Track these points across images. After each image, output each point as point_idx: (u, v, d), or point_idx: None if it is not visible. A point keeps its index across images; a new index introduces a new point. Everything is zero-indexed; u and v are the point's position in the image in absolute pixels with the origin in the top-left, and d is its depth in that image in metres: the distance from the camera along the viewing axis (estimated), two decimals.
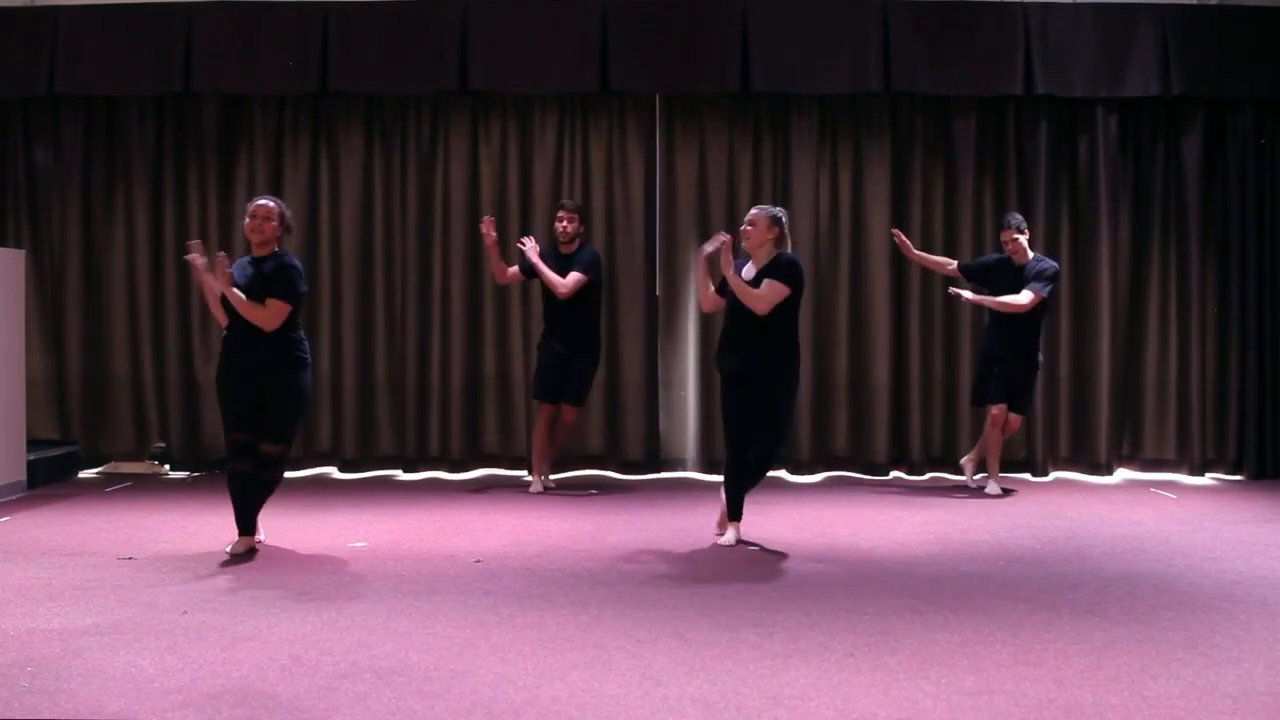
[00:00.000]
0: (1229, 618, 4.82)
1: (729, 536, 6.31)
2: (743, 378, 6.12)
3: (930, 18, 8.79)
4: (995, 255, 8.16)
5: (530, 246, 8.01)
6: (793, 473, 8.96)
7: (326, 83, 8.83)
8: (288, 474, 8.21)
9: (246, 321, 5.81)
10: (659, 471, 9.06)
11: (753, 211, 6.31)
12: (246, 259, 6.00)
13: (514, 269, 8.07)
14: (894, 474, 9.04)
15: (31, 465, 8.14)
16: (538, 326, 8.98)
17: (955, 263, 8.26)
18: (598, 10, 8.78)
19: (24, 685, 3.93)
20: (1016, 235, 7.86)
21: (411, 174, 9.14)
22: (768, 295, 6.05)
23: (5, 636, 4.51)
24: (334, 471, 9.15)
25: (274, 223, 5.90)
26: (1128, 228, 9.13)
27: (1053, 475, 8.86)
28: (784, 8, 8.79)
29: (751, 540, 6.35)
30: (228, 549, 6.01)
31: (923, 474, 9.02)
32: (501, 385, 9.10)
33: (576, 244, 8.08)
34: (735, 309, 6.18)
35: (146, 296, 9.19)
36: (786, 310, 6.12)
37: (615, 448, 9.07)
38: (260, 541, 6.17)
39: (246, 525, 6.03)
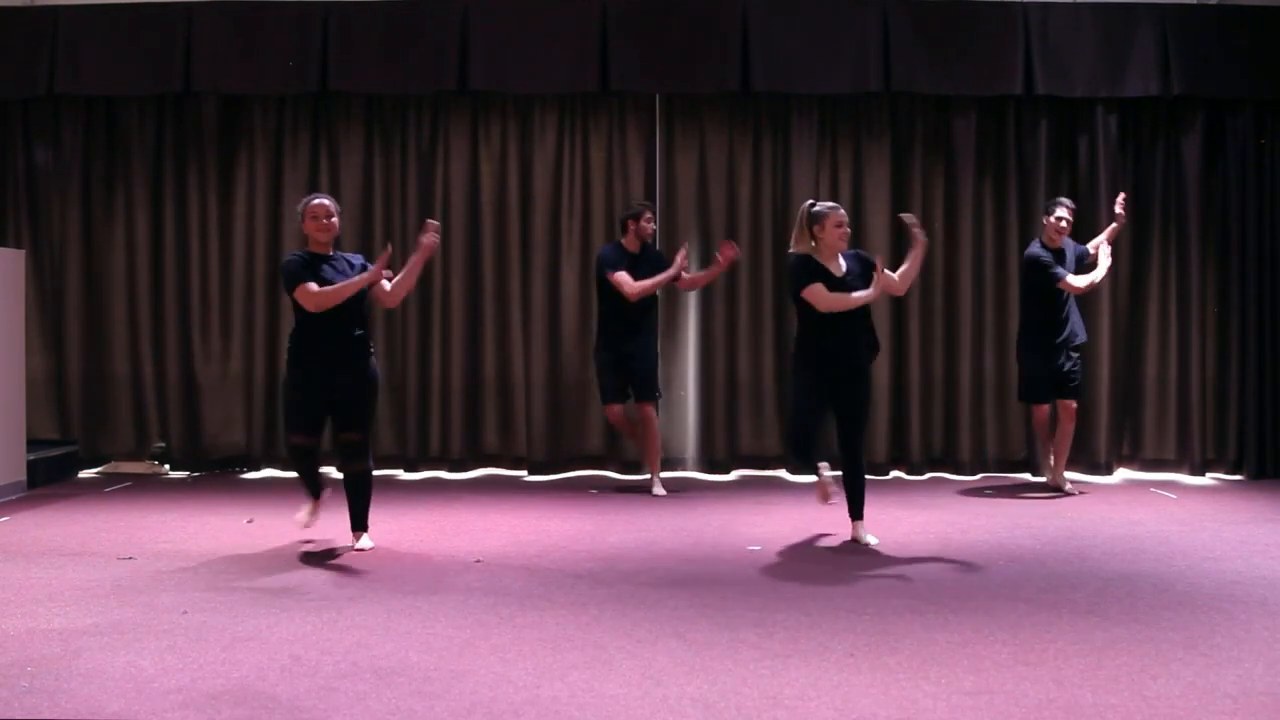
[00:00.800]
0: (1229, 618, 4.82)
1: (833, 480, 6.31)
2: (854, 373, 6.18)
3: (930, 18, 8.79)
4: (1039, 252, 7.82)
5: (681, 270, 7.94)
6: (793, 473, 8.96)
7: (326, 83, 8.83)
8: (289, 474, 8.26)
9: (335, 323, 5.90)
10: None
11: (844, 212, 6.24)
12: (307, 256, 5.99)
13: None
14: (894, 474, 9.05)
15: (31, 465, 8.14)
16: (538, 326, 9.01)
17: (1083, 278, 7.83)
18: (598, 10, 8.78)
19: (24, 685, 3.93)
20: (1070, 217, 7.88)
21: (411, 174, 9.15)
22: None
23: (5, 636, 4.51)
24: (334, 472, 9.10)
25: (337, 219, 6.07)
26: (1128, 228, 9.12)
27: None
28: (784, 8, 8.79)
29: (751, 540, 6.36)
30: (297, 517, 6.33)
31: (923, 474, 9.03)
32: (501, 385, 9.10)
33: (640, 244, 8.03)
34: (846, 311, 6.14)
35: (146, 296, 9.19)
36: None
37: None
38: (369, 550, 6.09)
39: (314, 490, 6.31)
